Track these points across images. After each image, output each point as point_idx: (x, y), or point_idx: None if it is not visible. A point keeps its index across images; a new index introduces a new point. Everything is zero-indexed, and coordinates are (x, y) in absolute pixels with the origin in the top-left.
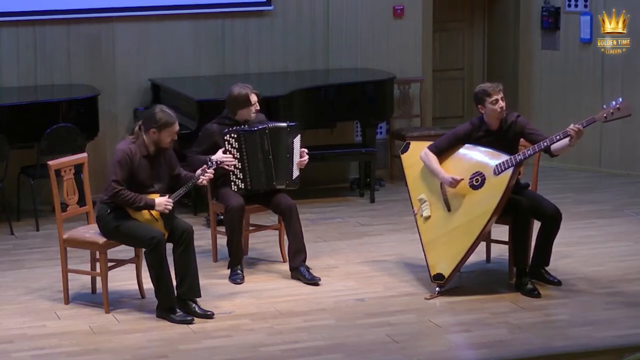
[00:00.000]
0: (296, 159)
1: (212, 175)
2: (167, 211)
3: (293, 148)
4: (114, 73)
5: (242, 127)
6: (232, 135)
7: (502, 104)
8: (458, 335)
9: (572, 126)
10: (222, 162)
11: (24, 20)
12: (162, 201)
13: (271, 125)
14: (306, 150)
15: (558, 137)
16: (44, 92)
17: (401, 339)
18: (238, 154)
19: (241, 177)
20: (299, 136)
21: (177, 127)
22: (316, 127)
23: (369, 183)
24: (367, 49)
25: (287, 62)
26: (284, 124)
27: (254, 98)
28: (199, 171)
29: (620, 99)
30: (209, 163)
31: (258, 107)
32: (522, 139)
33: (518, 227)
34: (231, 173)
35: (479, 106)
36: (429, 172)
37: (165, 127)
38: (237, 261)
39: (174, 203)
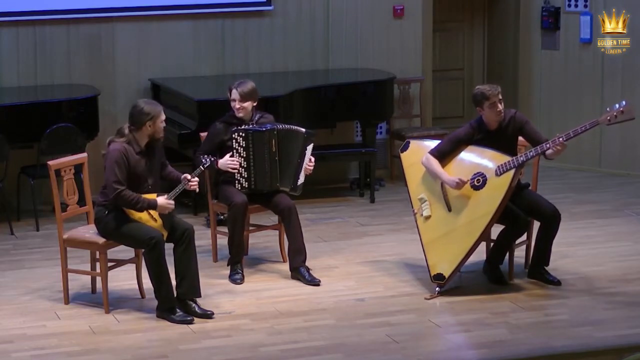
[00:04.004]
0: (305, 165)
1: (197, 182)
2: (167, 211)
3: (305, 154)
4: (114, 73)
5: (252, 126)
6: (241, 134)
7: (500, 107)
8: (458, 335)
9: (556, 141)
10: (224, 164)
11: (24, 20)
12: (164, 202)
13: (283, 127)
14: (313, 158)
15: (548, 146)
16: (44, 92)
17: (401, 339)
18: (245, 152)
19: (246, 176)
20: (312, 144)
21: (163, 113)
22: (316, 127)
23: (369, 183)
24: (367, 49)
25: (287, 62)
26: (302, 130)
27: (233, 94)
28: (186, 175)
29: (624, 102)
30: (204, 161)
31: (238, 107)
32: (520, 138)
33: (512, 234)
34: (236, 172)
35: (478, 108)
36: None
37: (158, 116)
38: (238, 259)
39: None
